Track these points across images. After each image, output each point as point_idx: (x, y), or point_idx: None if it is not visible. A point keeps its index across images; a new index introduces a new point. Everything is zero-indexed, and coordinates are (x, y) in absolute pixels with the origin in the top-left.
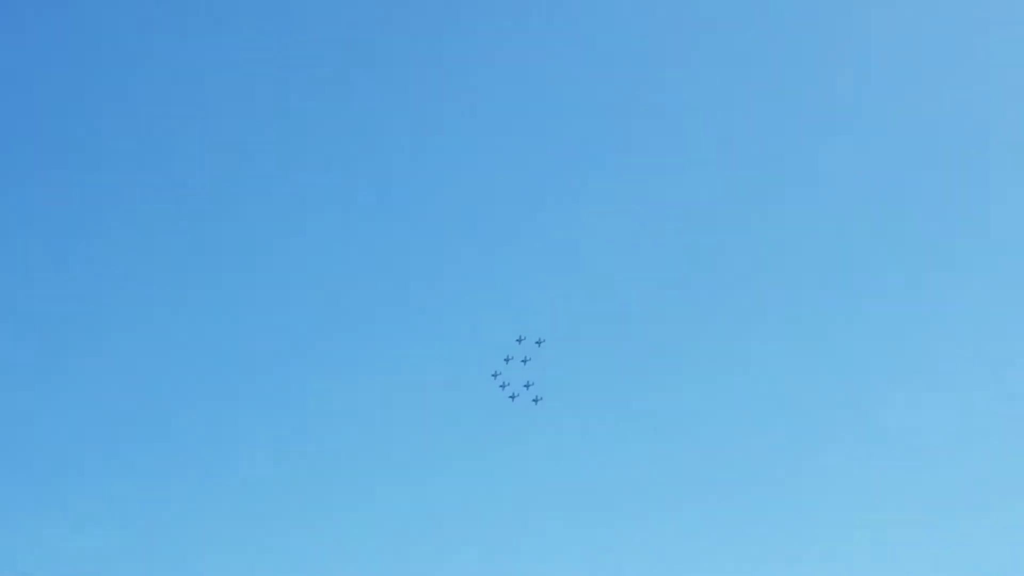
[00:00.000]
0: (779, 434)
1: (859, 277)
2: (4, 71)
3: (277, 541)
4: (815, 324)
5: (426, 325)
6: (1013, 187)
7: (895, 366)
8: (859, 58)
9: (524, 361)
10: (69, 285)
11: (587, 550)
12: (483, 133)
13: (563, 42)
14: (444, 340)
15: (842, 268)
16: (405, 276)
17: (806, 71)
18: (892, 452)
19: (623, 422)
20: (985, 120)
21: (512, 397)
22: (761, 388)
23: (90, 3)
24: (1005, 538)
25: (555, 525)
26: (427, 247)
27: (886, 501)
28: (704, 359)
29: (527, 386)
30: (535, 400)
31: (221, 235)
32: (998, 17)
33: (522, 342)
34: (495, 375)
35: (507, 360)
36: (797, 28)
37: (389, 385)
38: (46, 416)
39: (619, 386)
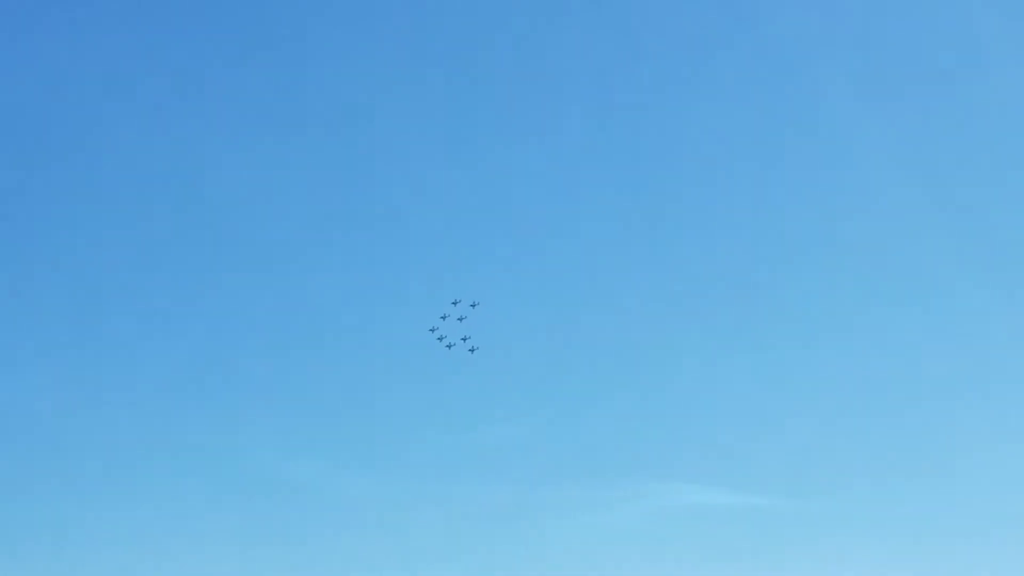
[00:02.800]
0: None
1: None
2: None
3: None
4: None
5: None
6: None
7: None
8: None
9: (460, 319)
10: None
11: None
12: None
13: None
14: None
15: None
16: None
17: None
18: None
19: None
20: None
21: (449, 346)
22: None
23: None
24: None
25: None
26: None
27: None
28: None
29: (464, 339)
30: (471, 350)
31: None
32: None
33: (458, 304)
34: (432, 330)
35: (443, 318)
36: None
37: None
38: None
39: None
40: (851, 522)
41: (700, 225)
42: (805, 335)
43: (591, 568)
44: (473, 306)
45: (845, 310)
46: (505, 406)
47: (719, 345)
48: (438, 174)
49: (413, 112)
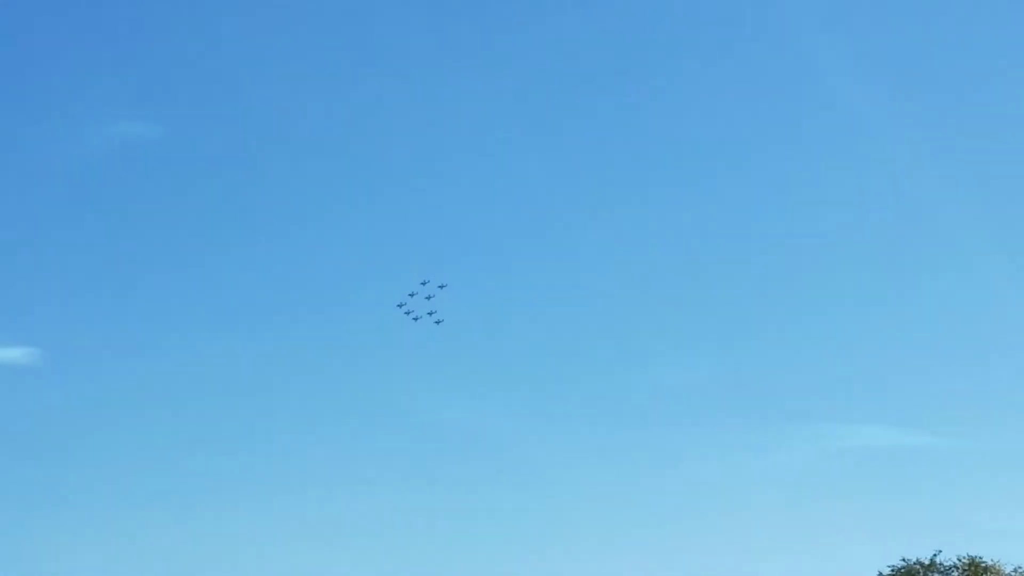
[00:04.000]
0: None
1: None
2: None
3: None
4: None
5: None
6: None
7: None
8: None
9: (428, 298)
10: None
11: None
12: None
13: None
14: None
15: None
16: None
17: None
18: None
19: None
20: None
21: (415, 319)
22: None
23: None
24: None
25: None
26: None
27: None
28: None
29: (430, 313)
30: (436, 322)
31: None
32: None
33: (426, 285)
34: (400, 305)
35: (411, 295)
36: None
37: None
38: None
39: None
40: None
41: None
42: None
43: (755, 511)
44: (441, 287)
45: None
46: (671, 349)
47: (876, 286)
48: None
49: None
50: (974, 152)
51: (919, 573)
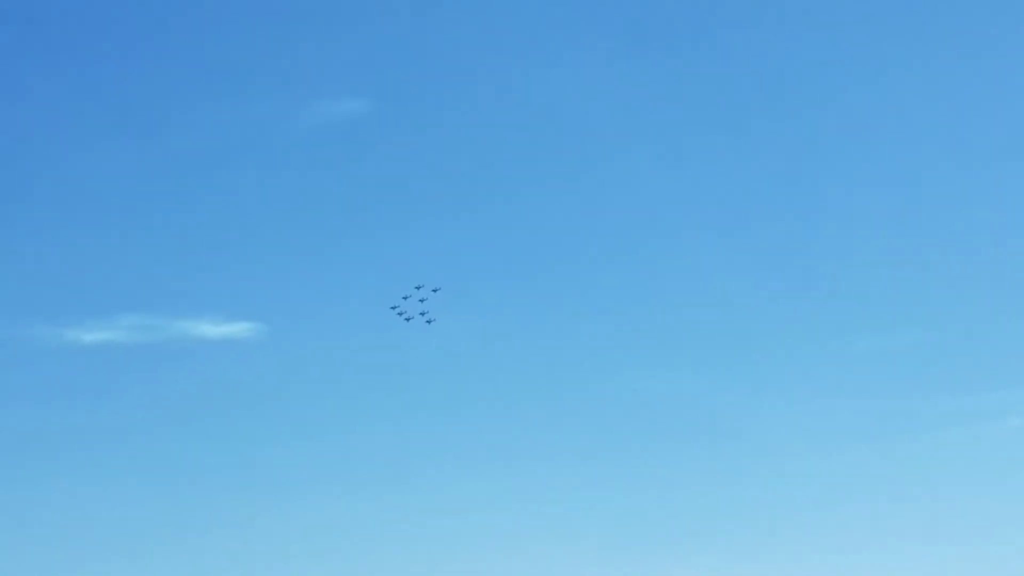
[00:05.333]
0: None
1: None
2: None
3: None
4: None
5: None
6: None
7: None
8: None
9: (421, 300)
10: None
11: None
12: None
13: None
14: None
15: None
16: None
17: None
18: None
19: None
20: None
21: (408, 319)
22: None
23: None
24: None
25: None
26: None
27: None
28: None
29: (422, 314)
30: (428, 321)
31: None
32: None
33: (420, 289)
34: (394, 308)
35: (405, 298)
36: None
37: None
38: None
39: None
40: None
41: None
42: None
43: (962, 482)
44: (435, 291)
45: None
46: (873, 317)
47: None
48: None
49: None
50: None
51: None
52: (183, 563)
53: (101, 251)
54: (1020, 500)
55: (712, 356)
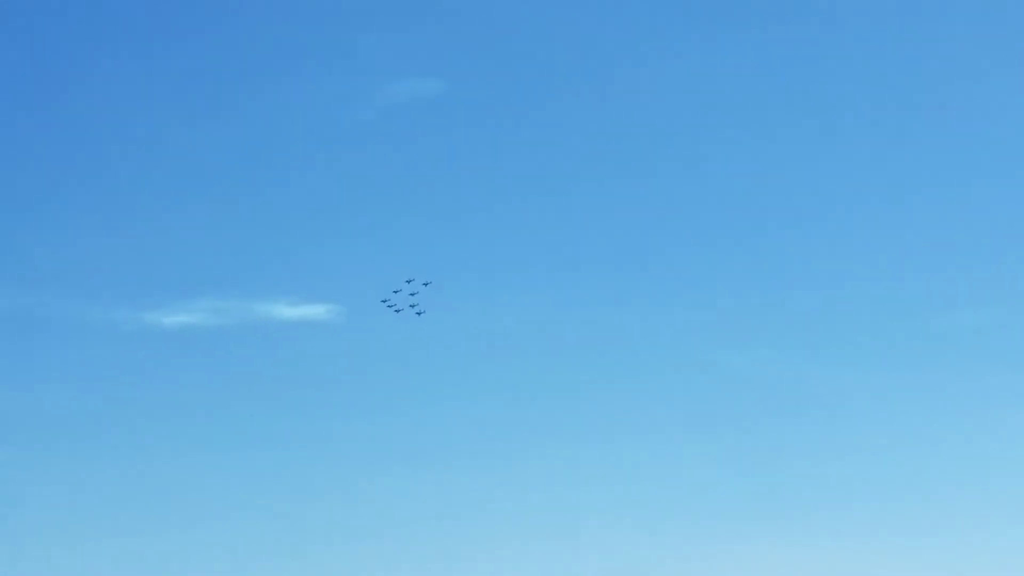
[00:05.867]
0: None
1: None
2: None
3: None
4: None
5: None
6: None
7: None
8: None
9: (412, 295)
10: None
11: None
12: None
13: None
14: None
15: None
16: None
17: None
18: None
19: None
20: None
21: (397, 311)
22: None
23: None
24: None
25: None
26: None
27: None
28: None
29: (412, 306)
30: (418, 313)
31: None
32: None
33: (411, 283)
34: (384, 301)
35: (396, 292)
36: None
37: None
38: None
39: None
40: None
41: None
42: None
43: None
44: (425, 284)
45: None
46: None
47: None
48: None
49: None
50: None
51: None
52: (259, 531)
53: (180, 235)
54: None
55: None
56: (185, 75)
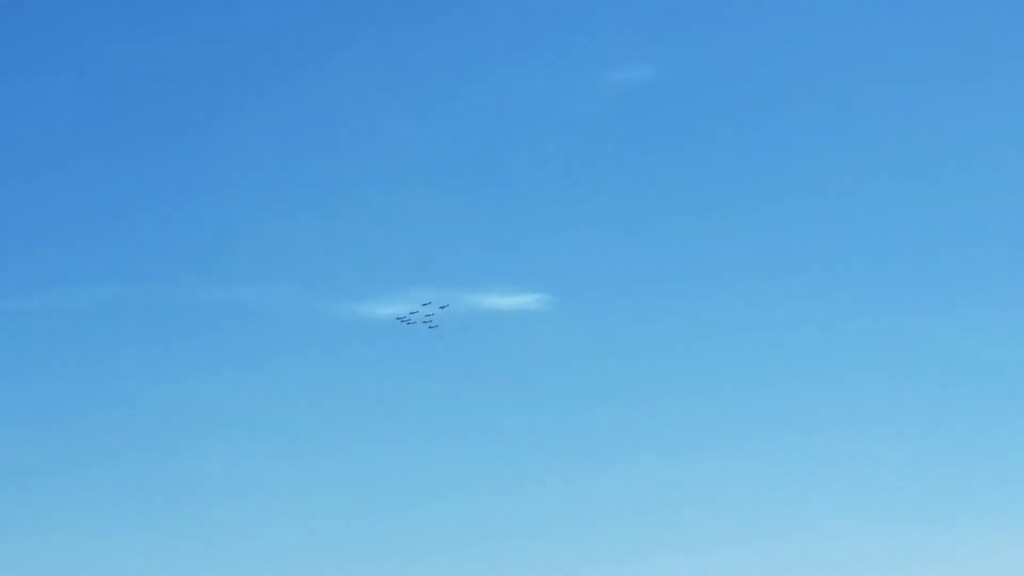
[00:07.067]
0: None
1: None
2: None
3: None
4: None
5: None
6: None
7: None
8: None
9: (427, 316)
10: None
11: None
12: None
13: None
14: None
15: None
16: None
17: None
18: None
19: None
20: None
21: (409, 324)
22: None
23: None
24: None
25: None
26: None
27: None
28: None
29: (425, 321)
30: (430, 328)
31: None
32: None
33: (427, 306)
34: (399, 319)
35: (412, 313)
36: None
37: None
38: None
39: None
40: None
41: None
42: None
43: None
44: (442, 308)
45: None
46: None
47: None
48: None
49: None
50: None
51: None
52: (473, 519)
53: (395, 226)
54: None
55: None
56: (405, 69)
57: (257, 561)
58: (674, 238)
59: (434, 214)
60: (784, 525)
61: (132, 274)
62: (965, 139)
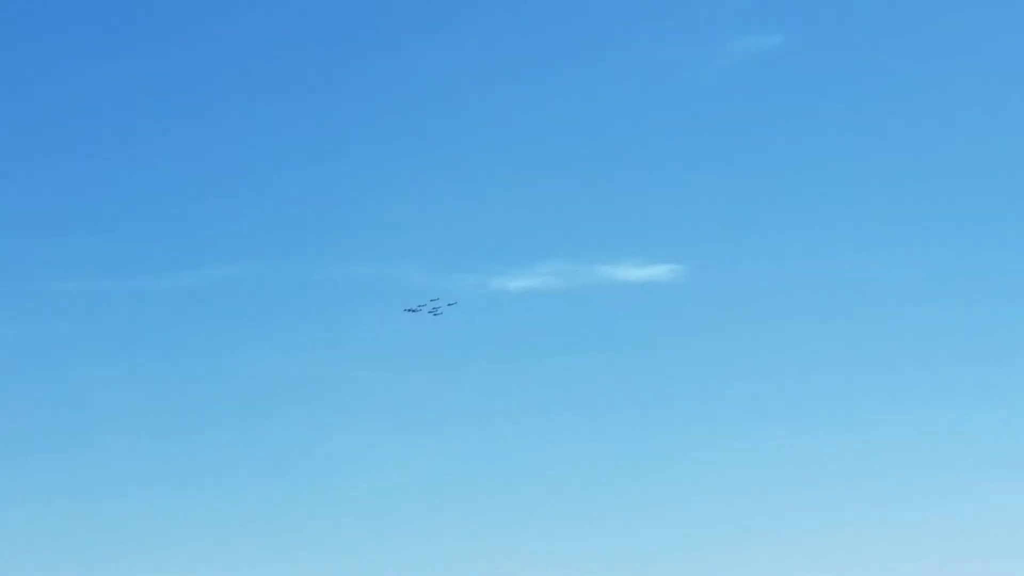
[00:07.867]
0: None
1: None
2: None
3: None
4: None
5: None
6: None
7: None
8: None
9: (434, 310)
10: None
11: None
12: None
13: None
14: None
15: None
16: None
17: None
18: None
19: None
20: None
21: (415, 312)
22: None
23: None
24: None
25: None
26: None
27: None
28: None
29: (431, 312)
30: (435, 314)
31: None
32: None
33: (435, 301)
34: (407, 309)
35: (420, 306)
36: None
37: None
38: None
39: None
40: None
41: None
42: None
43: None
44: (450, 305)
45: None
46: None
47: None
48: None
49: None
50: None
51: None
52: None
53: (522, 200)
54: None
55: None
56: (522, 43)
57: (379, 539)
58: (801, 207)
59: (560, 187)
60: None
61: (259, 253)
62: None
